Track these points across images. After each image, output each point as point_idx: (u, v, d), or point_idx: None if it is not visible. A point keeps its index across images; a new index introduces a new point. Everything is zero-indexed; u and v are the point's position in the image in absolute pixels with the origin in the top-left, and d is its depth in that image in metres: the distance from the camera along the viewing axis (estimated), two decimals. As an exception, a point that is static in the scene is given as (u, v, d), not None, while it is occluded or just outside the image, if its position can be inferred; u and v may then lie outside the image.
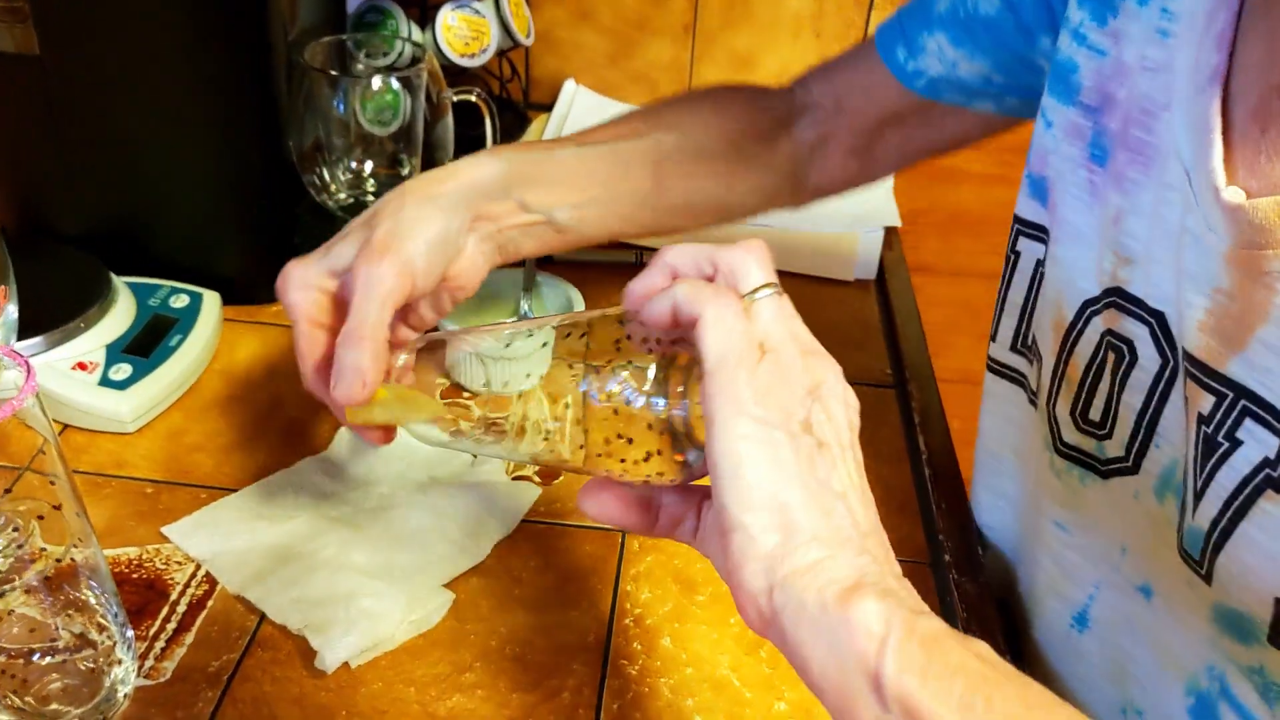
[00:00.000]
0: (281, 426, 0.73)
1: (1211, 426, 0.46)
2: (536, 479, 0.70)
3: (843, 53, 0.74)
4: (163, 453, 0.70)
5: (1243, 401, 0.44)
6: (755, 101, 0.72)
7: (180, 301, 0.79)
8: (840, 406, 0.38)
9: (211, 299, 0.80)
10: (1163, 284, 0.49)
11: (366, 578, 0.59)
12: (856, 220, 1.01)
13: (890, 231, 1.01)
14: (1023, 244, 0.60)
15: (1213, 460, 0.46)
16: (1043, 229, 0.58)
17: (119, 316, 0.75)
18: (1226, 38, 0.46)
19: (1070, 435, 0.56)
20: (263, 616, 0.59)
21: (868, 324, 0.91)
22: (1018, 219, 0.60)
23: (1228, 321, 0.45)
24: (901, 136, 0.72)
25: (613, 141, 0.63)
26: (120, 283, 0.78)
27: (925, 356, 0.87)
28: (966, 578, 0.66)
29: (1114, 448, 0.54)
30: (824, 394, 0.38)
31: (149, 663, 0.56)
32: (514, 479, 0.69)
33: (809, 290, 0.94)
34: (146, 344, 0.74)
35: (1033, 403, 0.61)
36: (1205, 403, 0.46)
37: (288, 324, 0.79)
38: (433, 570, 0.60)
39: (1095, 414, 0.54)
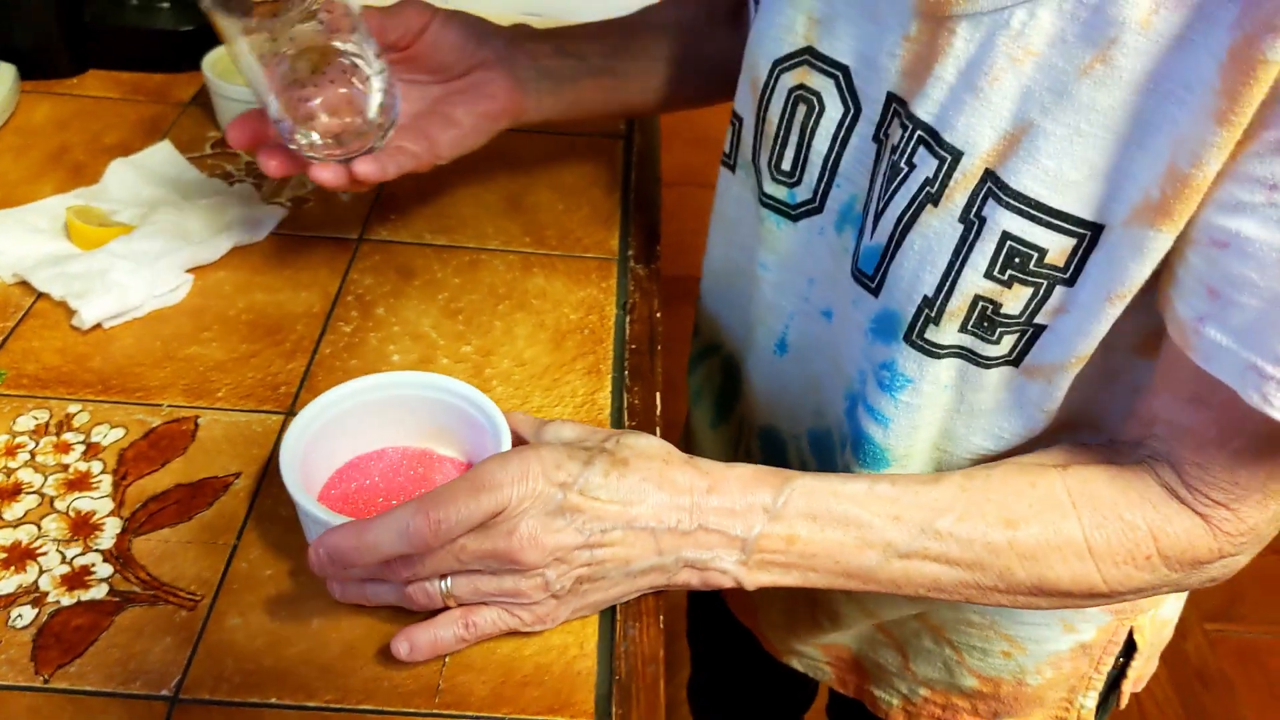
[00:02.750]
0: (69, 167, 0.84)
1: (897, 154, 0.53)
2: (287, 203, 0.82)
3: None
4: (-43, 188, 0.81)
5: (919, 132, 0.51)
6: None
7: (-24, 70, 0.88)
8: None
9: (6, 69, 0.89)
10: (848, 39, 0.55)
11: (119, 258, 0.71)
12: (615, 6, 1.12)
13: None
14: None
15: (894, 184, 0.53)
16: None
17: (-84, 79, 0.85)
18: None
19: (769, 186, 0.62)
20: (38, 296, 0.71)
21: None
22: None
23: (917, 64, 0.52)
24: None
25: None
26: (-82, 52, 0.87)
27: (656, 120, 0.99)
28: (641, 264, 0.80)
29: (803, 192, 0.61)
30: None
31: (-65, 328, 0.68)
32: (268, 202, 0.81)
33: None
34: (-58, 102, 0.84)
35: (726, 164, 0.67)
36: (896, 135, 0.53)
37: (82, 94, 0.89)
38: (177, 256, 0.73)
39: (787, 164, 0.61)
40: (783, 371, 0.68)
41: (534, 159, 0.90)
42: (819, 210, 0.60)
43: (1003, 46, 0.48)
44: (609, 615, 0.55)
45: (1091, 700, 0.71)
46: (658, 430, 0.67)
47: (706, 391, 0.80)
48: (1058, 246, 0.49)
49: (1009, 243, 0.50)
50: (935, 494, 0.53)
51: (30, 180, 0.82)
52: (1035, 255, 0.49)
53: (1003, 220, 0.49)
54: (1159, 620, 0.71)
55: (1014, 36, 0.47)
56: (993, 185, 0.49)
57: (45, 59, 0.94)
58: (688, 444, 0.85)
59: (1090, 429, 0.56)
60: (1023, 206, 0.49)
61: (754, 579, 0.52)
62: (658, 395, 0.69)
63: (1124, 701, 0.74)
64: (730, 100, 0.67)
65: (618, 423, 0.67)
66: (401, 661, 0.52)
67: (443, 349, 0.71)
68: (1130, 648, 0.70)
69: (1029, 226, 0.49)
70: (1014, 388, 0.55)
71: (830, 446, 0.66)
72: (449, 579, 0.50)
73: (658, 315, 0.76)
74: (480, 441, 0.58)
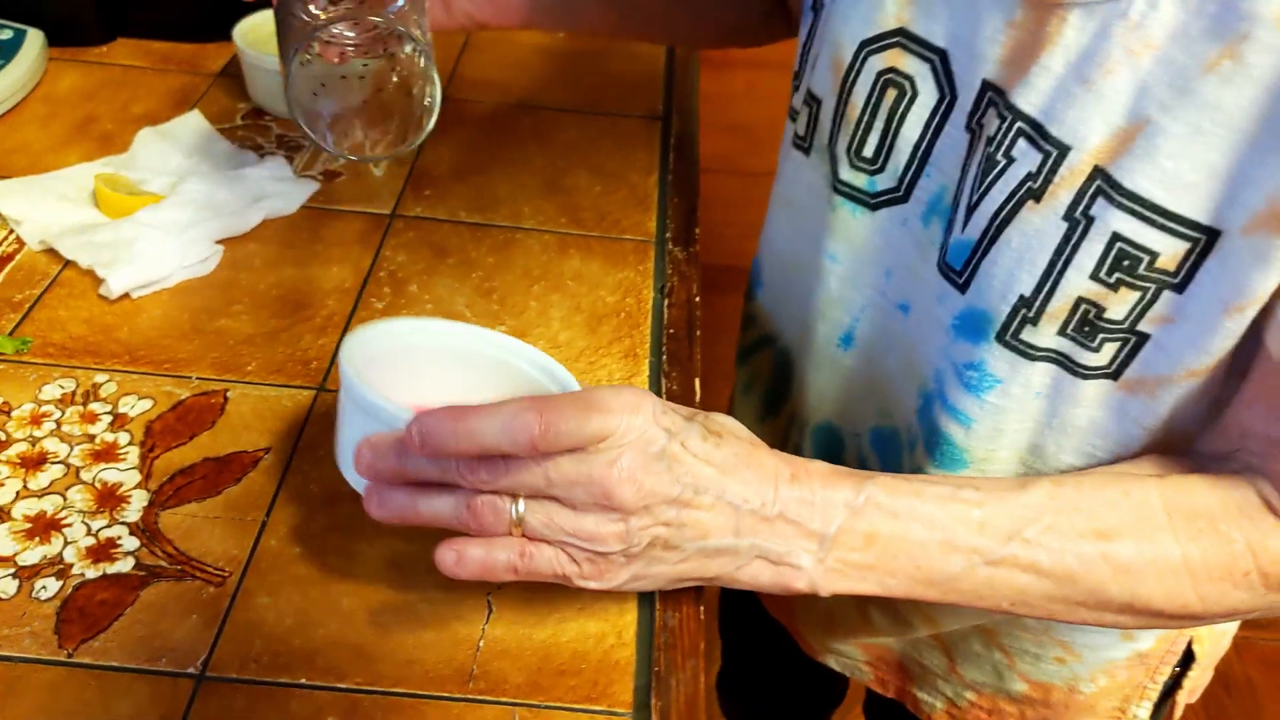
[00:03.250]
0: (96, 137, 0.82)
1: (993, 146, 0.50)
2: (319, 176, 0.80)
3: None
4: (-15, 154, 0.79)
5: (1019, 123, 0.48)
6: None
7: (4, 35, 0.87)
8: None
9: (35, 35, 0.88)
10: (946, 22, 0.52)
11: (148, 228, 0.69)
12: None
13: None
14: None
15: (990, 177, 0.50)
16: None
17: (-56, 43, 0.83)
18: None
19: (845, 173, 0.59)
20: (65, 264, 0.70)
21: (650, 72, 1.01)
22: None
23: (1019, 51, 0.48)
24: None
25: None
26: (-54, 16, 0.86)
27: (694, 102, 0.98)
28: (679, 247, 0.79)
29: (885, 180, 0.57)
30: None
31: (-40, 294, 0.67)
32: (300, 175, 0.80)
33: (605, 45, 1.04)
34: (-31, 67, 0.83)
35: (800, 147, 0.63)
36: (992, 125, 0.50)
37: (111, 63, 0.88)
38: (206, 227, 0.71)
39: (869, 150, 0.57)
40: (847, 367, 0.65)
41: (571, 140, 0.88)
42: (904, 200, 0.57)
43: (1119, 38, 0.45)
44: (648, 605, 0.53)
45: (1145, 710, 0.69)
46: (697, 416, 0.65)
47: (757, 384, 0.77)
48: (1170, 250, 0.46)
49: (1118, 244, 0.47)
50: (1024, 500, 0.50)
51: (57, 149, 0.80)
52: (1146, 259, 0.47)
53: (1113, 220, 0.47)
54: (1218, 631, 0.68)
55: (1132, 28, 0.45)
56: (1103, 183, 0.47)
57: (74, 26, 0.92)
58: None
59: (1184, 444, 0.54)
60: (1136, 207, 0.46)
61: (830, 584, 0.49)
62: (696, 382, 0.68)
63: (1178, 713, 0.71)
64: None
65: (655, 408, 0.65)
66: (433, 645, 0.50)
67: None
68: (1188, 658, 0.68)
69: (1141, 228, 0.46)
70: (1112, 404, 0.53)
71: (897, 446, 0.63)
72: (522, 502, 0.46)
73: (696, 300, 0.74)
74: None
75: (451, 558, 0.46)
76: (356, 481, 0.48)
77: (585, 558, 0.47)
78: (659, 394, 0.66)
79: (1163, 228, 0.46)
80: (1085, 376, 0.52)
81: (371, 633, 0.51)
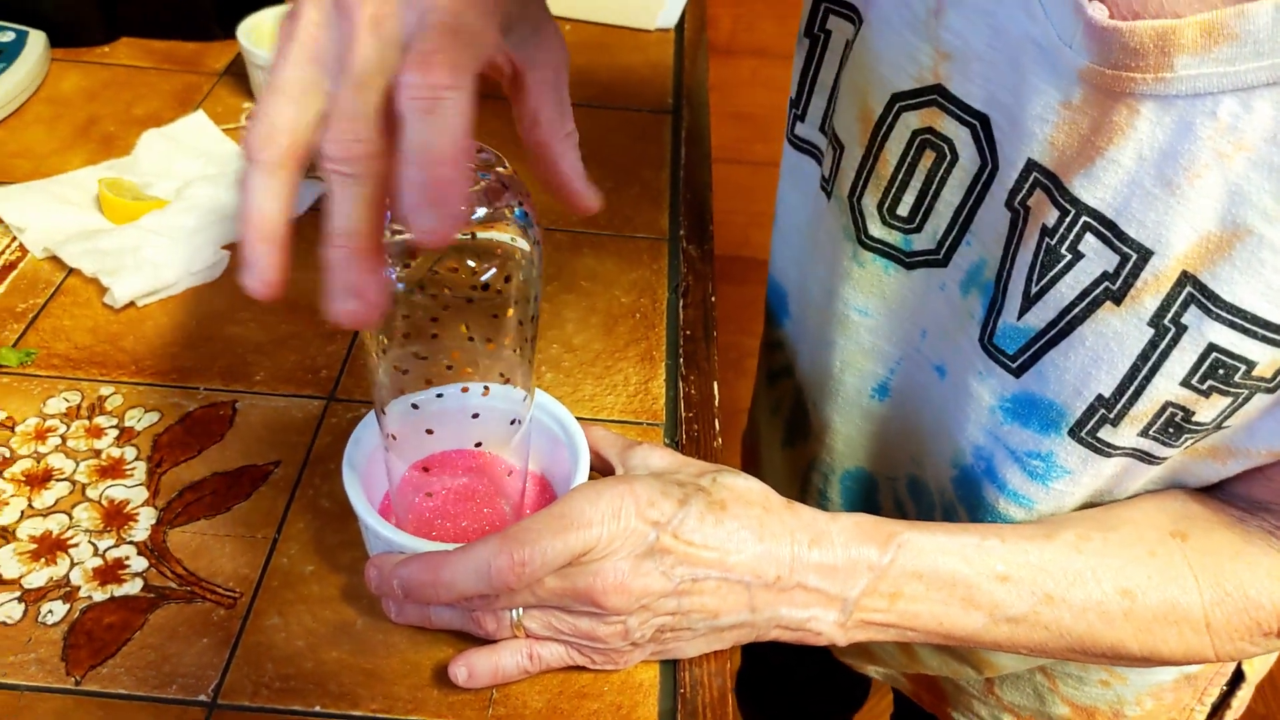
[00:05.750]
0: (99, 138, 0.81)
1: (1055, 239, 0.46)
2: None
3: None
4: (-14, 158, 0.78)
5: (1084, 218, 0.45)
6: None
7: (6, 37, 0.85)
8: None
9: (37, 36, 0.86)
10: (988, 86, 0.48)
11: (153, 234, 0.68)
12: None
13: (698, -9, 1.09)
14: (833, 22, 0.57)
15: (1054, 270, 0.47)
16: (854, 9, 0.55)
17: (-56, 45, 0.82)
18: None
19: (876, 229, 0.56)
20: (69, 272, 0.68)
21: (659, 65, 0.99)
22: None
23: (1076, 137, 0.44)
24: None
25: None
26: (-54, 17, 0.84)
27: (704, 94, 0.95)
28: (693, 245, 0.77)
29: (923, 241, 0.54)
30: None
31: (-38, 305, 0.65)
32: (307, 177, 0.78)
33: (612, 36, 1.02)
34: (-30, 69, 0.81)
35: (825, 190, 0.60)
36: (1050, 215, 0.46)
37: (113, 63, 0.86)
38: (213, 232, 0.69)
39: (904, 209, 0.54)
40: (882, 416, 0.63)
41: (581, 135, 0.86)
42: (942, 264, 0.54)
43: (1207, 139, 0.40)
44: (670, 621, 0.52)
45: None
46: (716, 423, 0.64)
47: (783, 409, 0.74)
48: (1268, 359, 0.43)
49: (1214, 354, 0.44)
50: (1049, 554, 0.49)
51: (60, 151, 0.79)
52: (1242, 368, 0.44)
53: (1210, 332, 0.43)
54: None
55: (1223, 130, 0.40)
56: (1196, 292, 0.43)
57: (75, 26, 0.90)
58: (752, 452, 0.81)
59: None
60: (1238, 320, 0.43)
61: (849, 638, 0.49)
62: (715, 385, 0.66)
63: None
64: None
65: (672, 414, 0.64)
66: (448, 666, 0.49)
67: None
68: (1238, 678, 0.66)
69: (1241, 339, 0.43)
70: (1177, 466, 0.51)
71: (930, 502, 0.61)
72: (520, 610, 0.47)
73: (712, 300, 0.72)
74: (556, 456, 0.53)
75: (463, 673, 0.47)
76: None
77: (593, 651, 0.47)
78: (675, 398, 0.64)
79: (1265, 339, 0.43)
80: (1159, 464, 0.50)
81: (386, 655, 0.50)
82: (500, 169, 0.45)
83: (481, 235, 0.43)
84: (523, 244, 0.44)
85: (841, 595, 0.47)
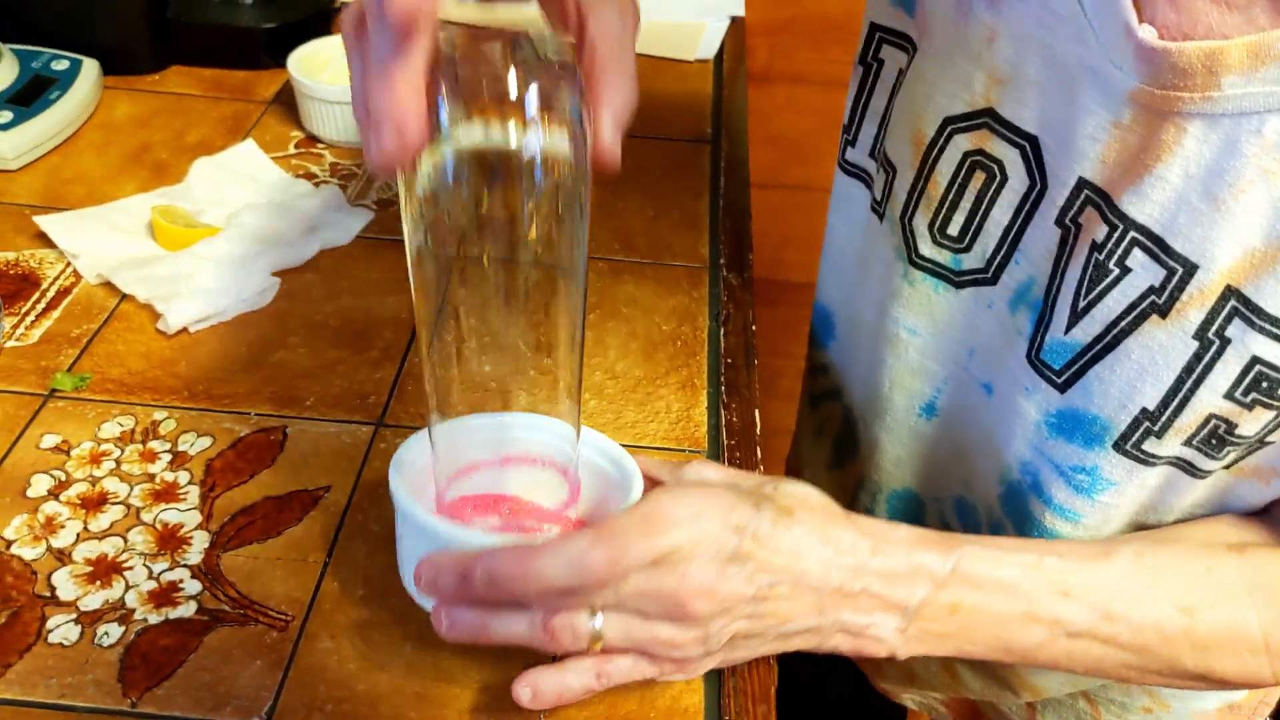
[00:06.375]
0: (151, 166, 0.82)
1: (1103, 254, 0.47)
2: (373, 205, 0.80)
3: None
4: (41, 185, 0.80)
5: (1132, 233, 0.46)
6: None
7: (61, 65, 0.87)
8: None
9: (90, 65, 0.88)
10: (1038, 109, 0.49)
11: (205, 261, 0.69)
12: (704, 10, 1.09)
13: (737, 21, 1.10)
14: (886, 51, 0.59)
15: (1102, 285, 0.48)
16: (907, 38, 0.57)
17: (2, 75, 0.84)
18: None
19: (927, 249, 0.57)
20: (122, 297, 0.70)
21: (699, 94, 1.00)
22: (878, 26, 0.59)
23: (1125, 155, 0.45)
24: None
25: None
26: (4, 48, 0.86)
27: (743, 123, 0.96)
28: (733, 273, 0.77)
29: (972, 260, 0.55)
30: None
31: (20, 330, 0.67)
32: (354, 204, 0.79)
33: (651, 67, 1.03)
34: (28, 97, 0.83)
35: (876, 211, 0.61)
36: (1099, 231, 0.47)
37: (164, 91, 0.88)
38: (264, 259, 0.71)
39: (954, 229, 0.55)
40: (930, 436, 0.63)
41: (620, 164, 0.87)
42: (991, 283, 0.55)
43: (1253, 157, 0.41)
44: (716, 649, 0.52)
45: None
46: (758, 450, 0.64)
47: (827, 431, 0.75)
48: None
49: (1258, 367, 0.44)
50: (1108, 572, 0.49)
51: (113, 178, 0.81)
52: None
53: (1253, 345, 0.44)
54: None
55: (1268, 147, 0.41)
56: (1240, 305, 0.44)
57: (127, 55, 0.93)
58: (796, 475, 0.81)
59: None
60: None
61: (909, 649, 0.48)
62: (756, 413, 0.66)
63: None
64: None
65: (715, 441, 0.64)
66: (499, 692, 0.49)
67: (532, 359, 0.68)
68: None
69: None
70: (1222, 485, 0.51)
71: (976, 521, 0.62)
72: (600, 617, 0.45)
73: (753, 328, 0.73)
74: (607, 492, 0.53)
75: (527, 694, 0.46)
76: (423, 600, 0.48)
77: (665, 660, 0.46)
78: (718, 425, 0.65)
79: None
80: (1202, 477, 0.51)
81: (436, 679, 0.50)
82: (556, 49, 0.43)
83: (527, 134, 0.42)
84: (567, 140, 0.43)
85: (903, 602, 0.47)
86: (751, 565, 0.45)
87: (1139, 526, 0.54)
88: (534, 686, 0.46)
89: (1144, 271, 0.46)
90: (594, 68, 0.44)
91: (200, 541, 0.55)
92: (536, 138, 0.42)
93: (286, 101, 0.90)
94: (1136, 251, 0.46)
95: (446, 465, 0.51)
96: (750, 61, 1.39)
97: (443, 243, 0.45)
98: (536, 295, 0.47)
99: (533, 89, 0.42)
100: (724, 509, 0.45)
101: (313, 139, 0.87)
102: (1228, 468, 0.50)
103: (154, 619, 0.52)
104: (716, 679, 0.51)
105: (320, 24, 0.96)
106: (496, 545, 0.45)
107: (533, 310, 0.47)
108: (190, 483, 0.58)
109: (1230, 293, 0.44)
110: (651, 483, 0.52)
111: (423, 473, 0.51)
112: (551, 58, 0.43)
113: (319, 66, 0.87)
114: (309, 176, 0.82)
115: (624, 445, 0.55)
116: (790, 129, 1.52)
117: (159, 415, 0.62)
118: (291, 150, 0.86)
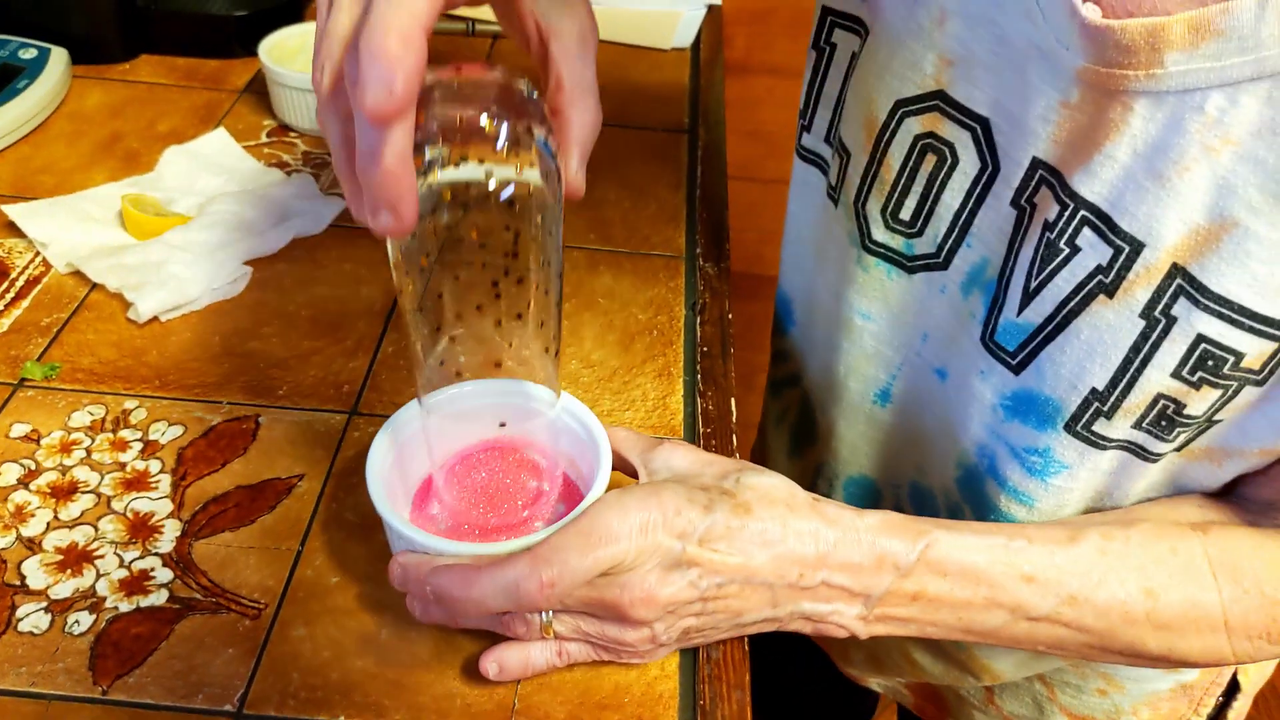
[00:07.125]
0: (121, 155, 0.82)
1: (1054, 234, 0.47)
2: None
3: None
4: (10, 174, 0.79)
5: (1082, 212, 0.46)
6: None
7: (29, 54, 0.86)
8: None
9: (59, 53, 0.87)
10: (990, 90, 0.49)
11: (176, 250, 0.68)
12: None
13: (714, 10, 1.10)
14: (839, 35, 0.59)
15: (1052, 265, 0.48)
16: (860, 21, 0.56)
17: (-31, 62, 0.83)
18: None
19: (880, 234, 0.57)
20: (92, 286, 0.69)
21: (675, 84, 1.00)
22: (830, 10, 0.59)
23: (1076, 135, 0.45)
24: None
25: None
26: (-29, 35, 0.85)
27: (720, 113, 0.96)
28: (710, 263, 0.77)
29: (924, 245, 0.55)
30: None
31: (-12, 319, 0.66)
32: (326, 193, 0.79)
33: (629, 56, 1.03)
34: (-5, 85, 0.82)
35: (831, 197, 0.61)
36: (1051, 211, 0.47)
37: (135, 80, 0.87)
38: (235, 248, 0.70)
39: (906, 214, 0.55)
40: (885, 422, 0.63)
41: (598, 153, 0.87)
42: (943, 267, 0.55)
43: (1195, 133, 0.41)
44: (691, 634, 0.52)
45: None
46: (734, 438, 0.64)
47: (788, 418, 0.75)
48: (1256, 350, 0.44)
49: (1203, 345, 0.45)
50: (1073, 556, 0.49)
51: (83, 168, 0.80)
52: (1231, 359, 0.44)
53: (1198, 323, 0.44)
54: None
55: (1210, 124, 0.41)
56: (1185, 284, 0.44)
57: (97, 44, 0.92)
58: (761, 463, 0.81)
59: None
60: (1225, 310, 0.43)
61: (869, 631, 0.49)
62: (732, 401, 0.66)
63: None
64: None
65: (690, 429, 0.64)
66: (474, 678, 0.49)
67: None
68: (1233, 688, 0.66)
69: (1229, 330, 0.44)
70: (1175, 469, 0.52)
71: (934, 507, 0.62)
72: (550, 613, 0.47)
73: (729, 317, 0.73)
74: (582, 456, 0.54)
75: (494, 668, 0.49)
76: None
77: (619, 650, 0.48)
78: (693, 414, 0.65)
79: (1252, 330, 0.43)
80: (1154, 460, 0.51)
81: (411, 666, 0.50)
82: (524, 89, 0.44)
83: (500, 169, 0.42)
84: (537, 174, 0.43)
85: (865, 592, 0.48)
86: (695, 571, 0.46)
87: (1092, 508, 0.54)
88: (500, 662, 0.48)
89: (1092, 251, 0.46)
90: (559, 98, 0.44)
91: (172, 530, 0.55)
92: (511, 173, 0.43)
93: (259, 90, 0.90)
94: (1086, 230, 0.46)
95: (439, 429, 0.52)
96: (728, 51, 1.39)
97: (418, 271, 0.45)
98: (513, 303, 0.47)
99: (504, 128, 0.42)
100: (667, 515, 0.45)
101: (285, 128, 0.87)
102: (1179, 450, 0.51)
103: (125, 607, 0.51)
104: (692, 667, 0.51)
105: (292, 11, 0.95)
106: (451, 555, 0.47)
107: (510, 314, 0.48)
108: (162, 471, 0.58)
109: (1176, 271, 0.44)
110: (620, 460, 0.53)
111: (408, 444, 0.53)
112: (522, 89, 0.44)
113: (291, 54, 0.86)
114: (281, 165, 0.82)
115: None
116: (768, 122, 1.52)
117: (130, 404, 0.62)
118: (264, 139, 0.85)
